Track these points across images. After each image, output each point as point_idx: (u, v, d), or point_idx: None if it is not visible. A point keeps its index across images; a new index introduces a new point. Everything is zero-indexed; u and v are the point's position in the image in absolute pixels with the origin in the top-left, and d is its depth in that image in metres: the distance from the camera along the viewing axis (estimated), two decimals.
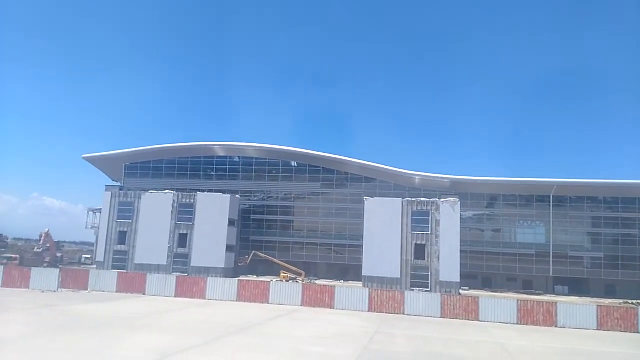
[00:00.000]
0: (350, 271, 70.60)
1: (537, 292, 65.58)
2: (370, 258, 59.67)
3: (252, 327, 24.35)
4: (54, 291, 35.86)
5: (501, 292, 61.91)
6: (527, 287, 68.67)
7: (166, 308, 30.08)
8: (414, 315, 33.15)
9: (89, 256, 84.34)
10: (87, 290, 37.43)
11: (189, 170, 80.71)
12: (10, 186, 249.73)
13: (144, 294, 36.94)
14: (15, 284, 36.74)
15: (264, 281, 36.62)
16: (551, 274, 68.77)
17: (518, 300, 33.76)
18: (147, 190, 69.37)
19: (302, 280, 60.18)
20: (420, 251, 58.85)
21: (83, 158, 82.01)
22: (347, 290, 35.44)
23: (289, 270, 63.42)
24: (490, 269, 70.99)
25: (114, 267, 62.82)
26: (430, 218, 59.06)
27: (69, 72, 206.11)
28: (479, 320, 32.21)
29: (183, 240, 64.76)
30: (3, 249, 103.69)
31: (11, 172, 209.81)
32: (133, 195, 67.00)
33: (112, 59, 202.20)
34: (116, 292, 37.33)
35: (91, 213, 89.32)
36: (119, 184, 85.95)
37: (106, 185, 74.94)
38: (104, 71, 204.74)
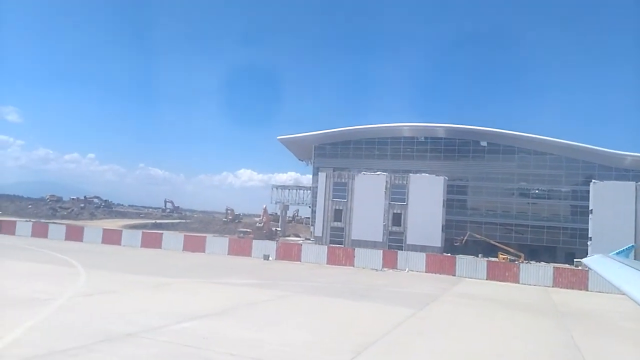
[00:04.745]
0: (543, 252, 70.41)
1: None
2: (599, 243, 58.80)
3: None
4: (381, 270, 40.03)
5: None
6: None
7: (553, 298, 31.97)
8: None
9: (279, 229, 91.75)
10: (399, 269, 41.26)
11: (376, 151, 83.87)
12: (119, 158, 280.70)
13: (454, 275, 39.93)
14: (340, 262, 41.55)
15: (581, 269, 37.87)
16: None
17: None
18: (337, 170, 74.17)
19: (522, 262, 60.96)
20: None
21: (278, 139, 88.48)
22: None
23: (507, 252, 64.42)
24: None
25: (331, 242, 68.04)
26: None
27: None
28: None
29: (397, 219, 68.31)
30: (189, 220, 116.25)
31: (119, 146, 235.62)
32: (347, 176, 71.52)
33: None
34: (425, 272, 40.75)
35: (275, 189, 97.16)
36: (304, 163, 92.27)
37: (319, 167, 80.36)
38: None
